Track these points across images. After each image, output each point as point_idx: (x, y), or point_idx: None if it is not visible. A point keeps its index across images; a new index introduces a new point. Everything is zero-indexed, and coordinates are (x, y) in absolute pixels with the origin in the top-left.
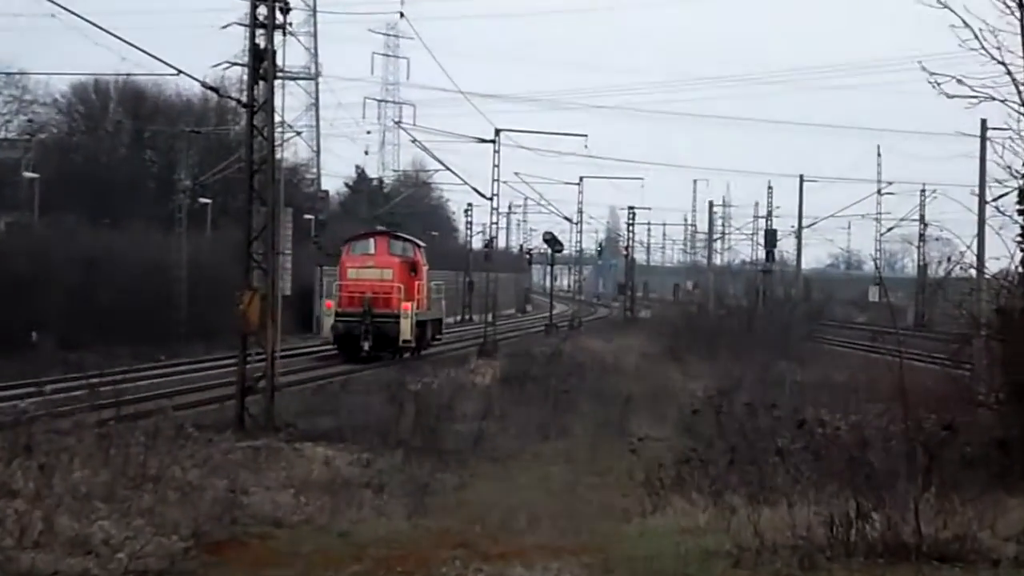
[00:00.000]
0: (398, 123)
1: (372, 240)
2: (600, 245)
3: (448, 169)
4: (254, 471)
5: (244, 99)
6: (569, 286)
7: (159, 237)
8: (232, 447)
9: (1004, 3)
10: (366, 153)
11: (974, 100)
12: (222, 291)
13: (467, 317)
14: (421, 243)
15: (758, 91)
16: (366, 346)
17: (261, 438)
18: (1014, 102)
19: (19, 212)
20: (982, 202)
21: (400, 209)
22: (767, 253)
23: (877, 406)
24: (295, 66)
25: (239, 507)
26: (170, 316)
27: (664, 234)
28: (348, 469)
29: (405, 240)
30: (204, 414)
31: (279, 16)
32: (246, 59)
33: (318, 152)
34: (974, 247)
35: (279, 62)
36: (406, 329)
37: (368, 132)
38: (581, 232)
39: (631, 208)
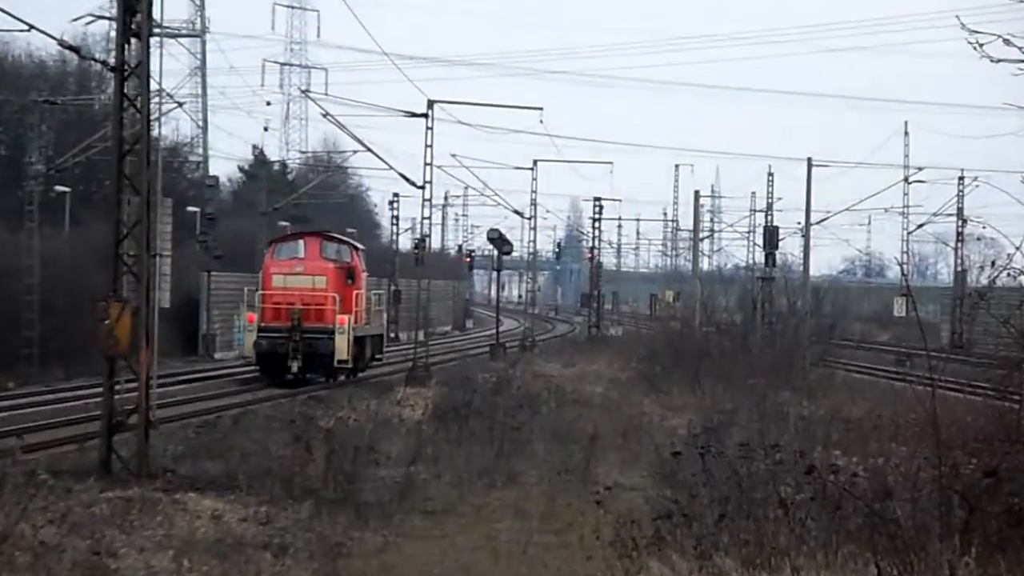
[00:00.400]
0: (305, 92)
1: (301, 242)
2: (559, 246)
3: (369, 150)
4: (124, 528)
5: (112, 61)
6: (520, 296)
7: (4, 234)
8: (96, 498)
9: None
10: (265, 129)
11: None
12: (84, 302)
13: (392, 335)
14: (359, 246)
15: (757, 54)
16: (294, 367)
17: (133, 487)
18: None
19: None
20: None
21: (309, 200)
22: (767, 256)
23: (903, 447)
24: (176, 20)
25: (105, 573)
26: (19, 334)
27: (638, 232)
28: (242, 526)
29: (341, 242)
30: (61, 457)
31: None
32: (114, 11)
33: (205, 128)
34: None
35: (156, 15)
36: (342, 347)
37: (268, 103)
38: (535, 229)
39: (597, 199)
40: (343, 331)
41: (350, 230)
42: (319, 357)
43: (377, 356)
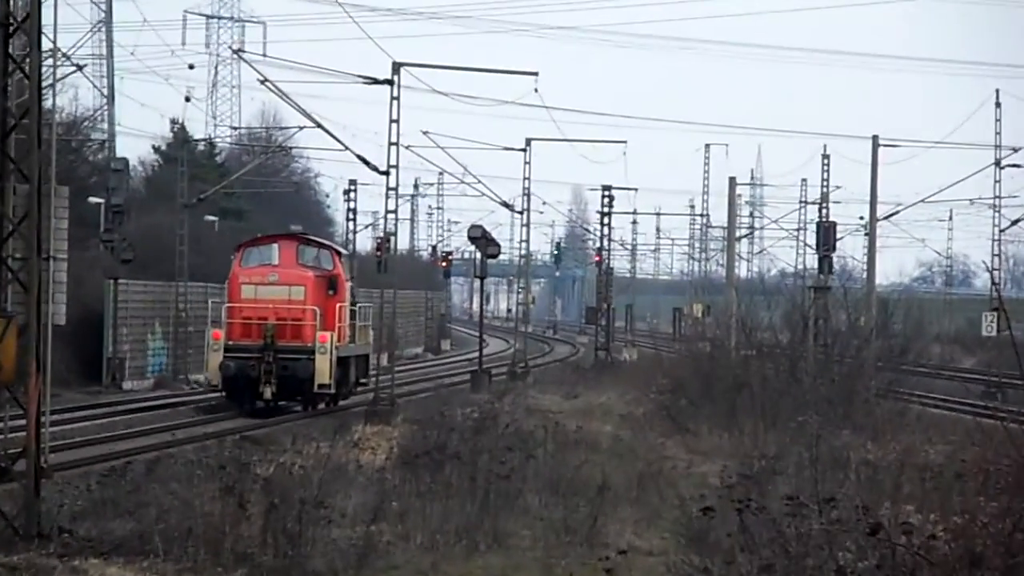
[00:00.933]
0: (238, 52)
1: (275, 246)
2: (558, 247)
3: (319, 126)
4: None
5: None
6: (510, 310)
7: None
8: None
9: None
10: (187, 100)
11: None
12: None
13: None
14: (343, 250)
15: (807, 4)
16: (267, 392)
17: (19, 551)
18: None
19: None
20: None
21: (243, 188)
22: (821, 260)
23: (994, 503)
24: None
25: None
26: None
27: (658, 229)
28: None
29: (321, 246)
30: None
31: None
32: None
33: (111, 98)
34: None
35: None
36: (323, 369)
37: (191, 67)
38: (528, 226)
39: (607, 188)
40: (324, 351)
41: (294, 227)
42: (296, 381)
43: (362, 380)
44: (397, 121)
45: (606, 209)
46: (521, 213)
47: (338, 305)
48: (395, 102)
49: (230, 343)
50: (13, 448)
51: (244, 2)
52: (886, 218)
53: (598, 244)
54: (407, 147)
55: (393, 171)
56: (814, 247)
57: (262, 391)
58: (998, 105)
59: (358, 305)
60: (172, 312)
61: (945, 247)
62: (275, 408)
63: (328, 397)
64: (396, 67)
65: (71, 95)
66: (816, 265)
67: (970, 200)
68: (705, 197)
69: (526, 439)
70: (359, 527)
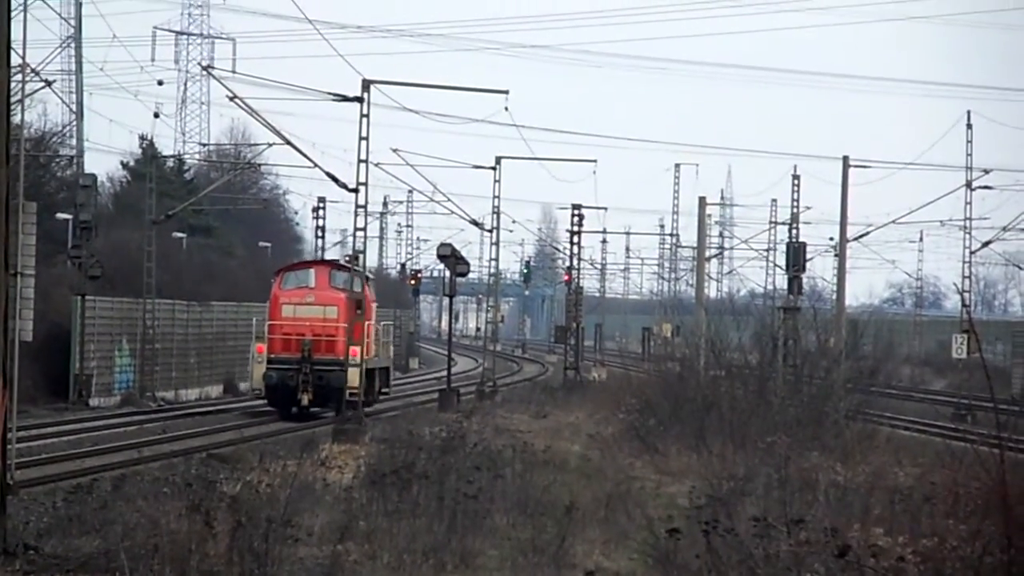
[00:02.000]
0: (207, 69)
1: (312, 271)
2: (527, 265)
3: (288, 143)
4: None
5: None
6: (479, 329)
7: None
8: None
9: None
10: (156, 116)
11: None
12: None
13: None
14: (369, 275)
15: (778, 24)
16: (305, 399)
17: None
18: None
19: None
20: None
21: (211, 205)
22: (791, 280)
23: (963, 525)
24: None
25: None
26: None
27: (628, 249)
28: None
29: (351, 271)
30: None
31: None
32: None
33: (79, 114)
34: None
35: None
36: (354, 379)
37: (160, 83)
38: (498, 244)
39: (577, 207)
40: (355, 363)
41: (263, 244)
42: (330, 390)
43: (384, 390)
44: (367, 138)
45: (576, 228)
46: (491, 231)
47: (366, 323)
48: (364, 119)
49: (272, 356)
50: None
51: (214, 19)
52: (856, 239)
53: (568, 263)
54: (376, 164)
55: (362, 188)
56: (784, 267)
57: (300, 398)
58: (969, 126)
59: (381, 323)
60: (140, 329)
61: (915, 268)
62: (309, 414)
63: (356, 404)
64: (366, 84)
65: (40, 110)
66: (786, 285)
67: (941, 221)
68: (675, 217)
69: (494, 459)
70: (326, 546)
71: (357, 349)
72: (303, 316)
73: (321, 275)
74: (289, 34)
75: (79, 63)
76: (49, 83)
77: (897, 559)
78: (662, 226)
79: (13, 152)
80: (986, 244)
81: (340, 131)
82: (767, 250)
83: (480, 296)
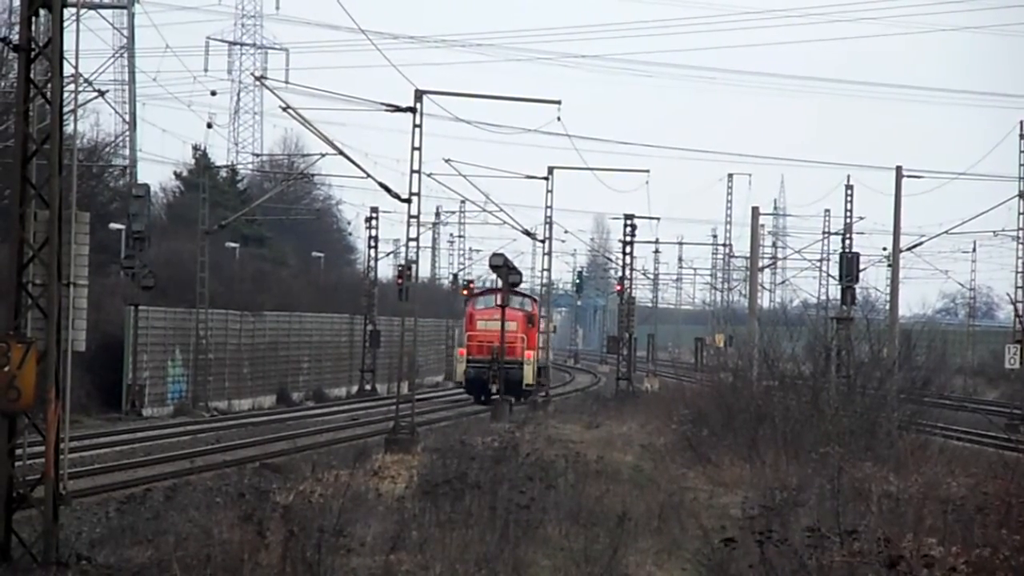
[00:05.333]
0: (260, 79)
1: (495, 296)
2: (579, 276)
3: (341, 153)
4: None
5: (15, 38)
6: None
7: None
8: None
9: None
10: (209, 126)
11: None
12: None
13: (367, 387)
14: (536, 297)
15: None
16: (494, 389)
17: None
18: None
19: None
20: None
21: (264, 215)
22: (844, 291)
23: (1016, 536)
24: None
25: None
26: None
27: (681, 259)
28: None
29: (524, 295)
30: None
31: None
32: None
33: (133, 124)
34: None
35: None
36: (529, 374)
37: (213, 93)
38: (550, 255)
39: (629, 218)
40: (529, 363)
41: (316, 254)
42: (513, 382)
43: (542, 382)
44: (419, 149)
45: (628, 238)
46: (543, 242)
47: (536, 333)
48: (417, 130)
49: (470, 357)
50: (32, 475)
51: (266, 29)
52: (909, 249)
53: (620, 273)
54: (429, 175)
55: (415, 199)
56: (837, 278)
57: (490, 388)
58: (1022, 136)
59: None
60: (192, 339)
61: (968, 279)
62: (497, 399)
63: (531, 392)
64: (419, 95)
65: (93, 121)
66: (839, 296)
67: (994, 232)
68: (728, 227)
69: (547, 469)
70: (378, 556)
71: (531, 352)
72: (492, 328)
73: (502, 298)
74: (342, 44)
75: (132, 73)
76: (102, 93)
77: (949, 569)
78: (715, 236)
79: (66, 162)
80: None
81: (393, 141)
82: (820, 260)
83: None
